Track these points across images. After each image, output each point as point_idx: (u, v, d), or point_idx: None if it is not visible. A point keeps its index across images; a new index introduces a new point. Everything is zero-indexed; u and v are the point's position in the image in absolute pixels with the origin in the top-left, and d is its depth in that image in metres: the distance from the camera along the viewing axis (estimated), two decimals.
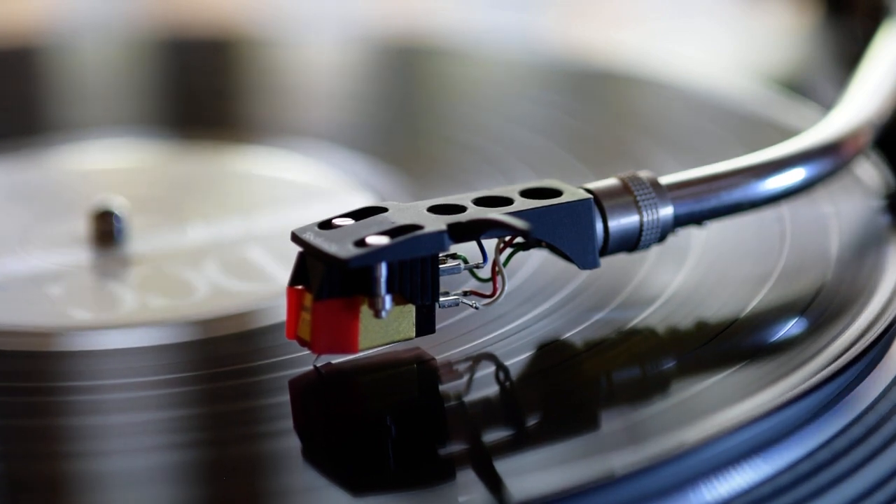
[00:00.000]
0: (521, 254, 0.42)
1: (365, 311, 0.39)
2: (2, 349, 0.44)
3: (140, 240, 0.52)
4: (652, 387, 0.41)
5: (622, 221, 0.43)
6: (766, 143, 0.47)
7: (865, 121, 0.49)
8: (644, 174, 0.43)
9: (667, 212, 0.43)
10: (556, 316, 0.44)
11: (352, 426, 0.39)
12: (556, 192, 0.42)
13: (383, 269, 0.39)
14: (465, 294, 0.41)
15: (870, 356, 0.41)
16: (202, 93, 0.71)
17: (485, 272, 0.41)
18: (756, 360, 0.41)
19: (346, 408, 0.40)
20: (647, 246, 0.43)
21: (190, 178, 0.59)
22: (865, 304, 0.44)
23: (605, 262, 0.43)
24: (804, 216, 0.50)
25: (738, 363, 0.41)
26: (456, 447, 0.38)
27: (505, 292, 0.41)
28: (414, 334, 0.41)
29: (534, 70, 0.72)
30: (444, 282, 0.40)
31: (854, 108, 0.50)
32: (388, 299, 0.39)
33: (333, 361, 0.41)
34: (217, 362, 0.43)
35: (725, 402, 0.39)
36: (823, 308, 0.44)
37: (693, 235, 0.47)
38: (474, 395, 0.40)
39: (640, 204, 0.43)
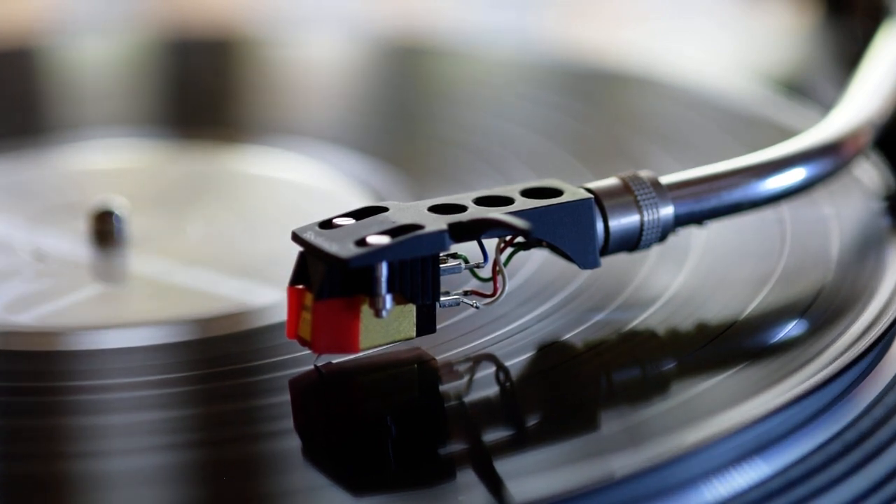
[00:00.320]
0: (521, 254, 0.42)
1: (366, 310, 0.39)
2: (2, 349, 0.44)
3: (140, 240, 0.52)
4: (652, 388, 0.41)
5: (623, 221, 0.43)
6: (766, 143, 0.47)
7: (865, 121, 0.49)
8: (644, 174, 0.43)
9: (667, 211, 0.43)
10: (556, 317, 0.44)
11: (352, 426, 0.39)
12: (557, 192, 0.42)
13: (384, 269, 0.39)
14: (466, 294, 0.41)
15: (870, 357, 0.41)
16: (202, 93, 0.71)
17: (485, 272, 0.41)
18: (756, 362, 0.41)
19: (346, 408, 0.40)
20: (648, 245, 0.43)
21: (190, 178, 0.59)
22: (866, 306, 0.44)
23: (606, 262, 0.43)
24: (805, 217, 0.50)
25: (739, 364, 0.41)
26: (456, 447, 0.38)
27: (506, 292, 0.41)
28: (414, 334, 0.41)
29: (534, 70, 0.72)
30: (445, 281, 0.40)
31: (854, 108, 0.50)
32: (388, 299, 0.39)
33: (334, 361, 0.41)
34: (217, 362, 0.43)
35: (726, 404, 0.39)
36: (824, 309, 0.44)
37: (693, 236, 0.47)
38: (474, 396, 0.40)
39: (641, 203, 0.43)
